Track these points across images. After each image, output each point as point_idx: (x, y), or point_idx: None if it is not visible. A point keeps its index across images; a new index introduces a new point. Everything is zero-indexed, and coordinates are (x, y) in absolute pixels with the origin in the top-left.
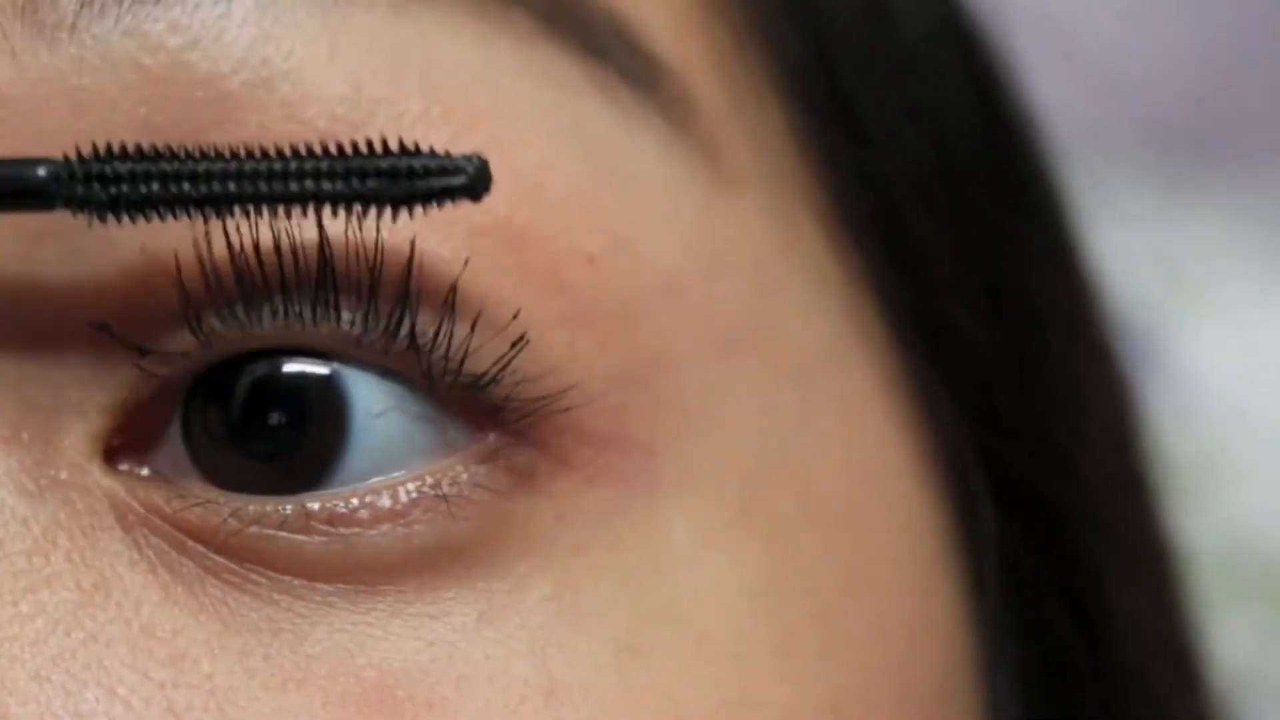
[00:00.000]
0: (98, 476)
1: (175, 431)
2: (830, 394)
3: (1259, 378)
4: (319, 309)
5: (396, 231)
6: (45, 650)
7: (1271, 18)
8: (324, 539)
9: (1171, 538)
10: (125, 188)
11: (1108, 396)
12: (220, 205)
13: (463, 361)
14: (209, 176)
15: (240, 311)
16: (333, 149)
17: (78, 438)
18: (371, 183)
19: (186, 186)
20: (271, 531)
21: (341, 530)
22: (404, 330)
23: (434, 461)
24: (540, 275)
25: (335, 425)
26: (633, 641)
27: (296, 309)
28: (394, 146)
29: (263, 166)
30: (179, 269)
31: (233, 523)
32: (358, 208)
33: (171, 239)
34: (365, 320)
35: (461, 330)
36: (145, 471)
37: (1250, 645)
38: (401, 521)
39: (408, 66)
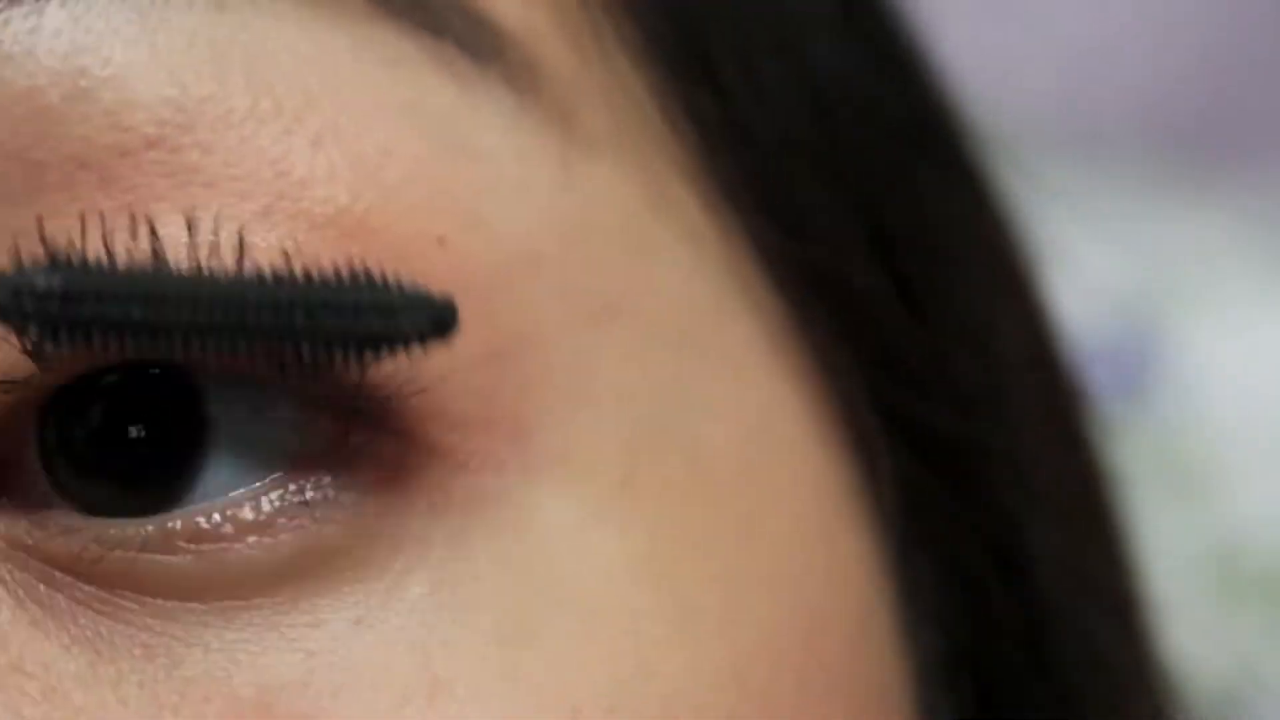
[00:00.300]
0: None
1: (32, 458)
2: (713, 353)
3: (1259, 378)
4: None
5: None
6: None
7: (1271, 18)
8: (191, 557)
9: (1104, 475)
10: (57, 307)
11: (1023, 330)
12: (157, 335)
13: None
14: (147, 300)
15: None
16: (291, 279)
17: None
18: (322, 320)
19: (122, 311)
20: (135, 554)
21: (206, 547)
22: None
23: (297, 467)
24: (389, 262)
25: (195, 438)
26: (517, 630)
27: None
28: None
29: (199, 293)
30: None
31: (95, 548)
32: (308, 347)
33: None
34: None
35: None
36: (4, 501)
37: (1250, 645)
38: (267, 533)
39: (232, 61)
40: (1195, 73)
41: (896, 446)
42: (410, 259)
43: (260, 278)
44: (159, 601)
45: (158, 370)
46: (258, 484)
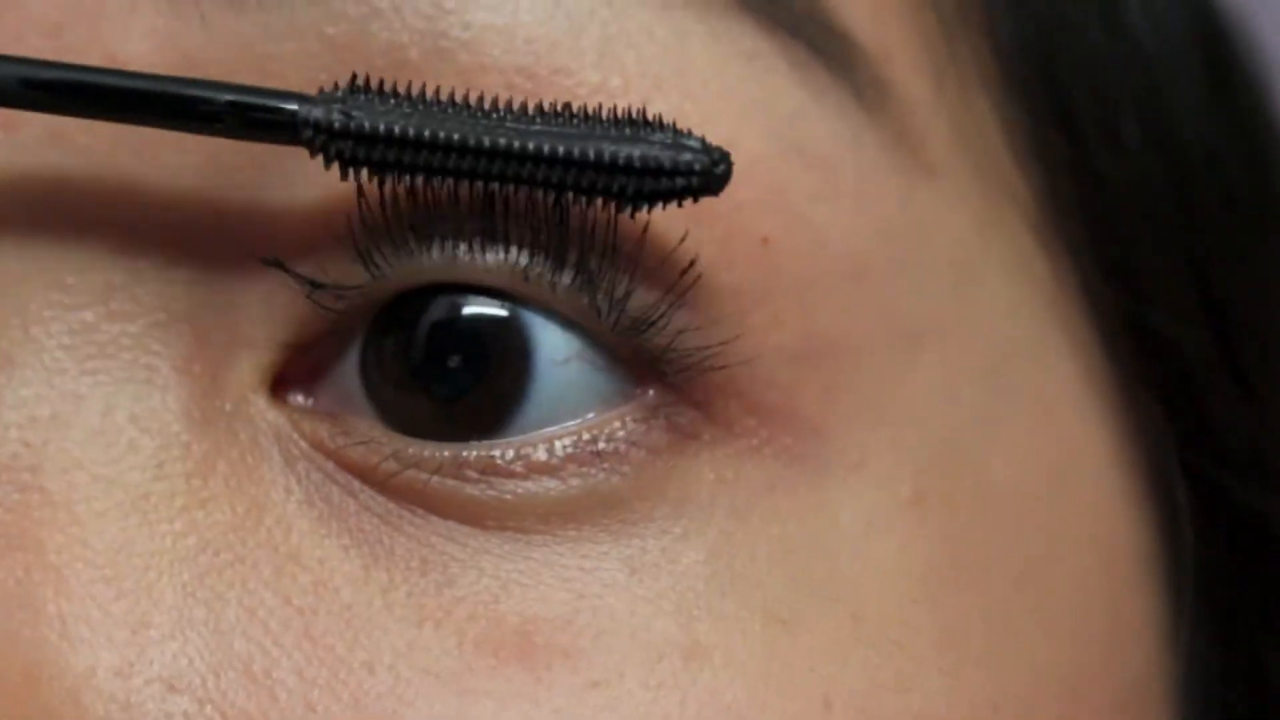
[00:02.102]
0: (263, 408)
1: (350, 366)
2: (1023, 391)
3: None
4: (486, 241)
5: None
6: (193, 567)
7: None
8: (480, 486)
9: None
10: (364, 150)
11: None
12: (454, 176)
13: (627, 299)
14: (447, 148)
15: (411, 241)
16: (574, 124)
17: (247, 370)
18: (604, 178)
19: (424, 156)
20: (428, 476)
21: (496, 480)
22: (569, 263)
23: (598, 415)
24: (713, 249)
25: (518, 370)
26: (783, 613)
27: (465, 240)
28: (632, 122)
29: (504, 143)
30: (360, 200)
31: (392, 464)
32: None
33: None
34: (531, 254)
35: (626, 270)
36: (312, 404)
37: None
38: (556, 475)
39: (588, 36)
40: None
41: (1200, 519)
42: (732, 251)
43: (542, 111)
44: (442, 522)
45: (483, 298)
46: (553, 428)
